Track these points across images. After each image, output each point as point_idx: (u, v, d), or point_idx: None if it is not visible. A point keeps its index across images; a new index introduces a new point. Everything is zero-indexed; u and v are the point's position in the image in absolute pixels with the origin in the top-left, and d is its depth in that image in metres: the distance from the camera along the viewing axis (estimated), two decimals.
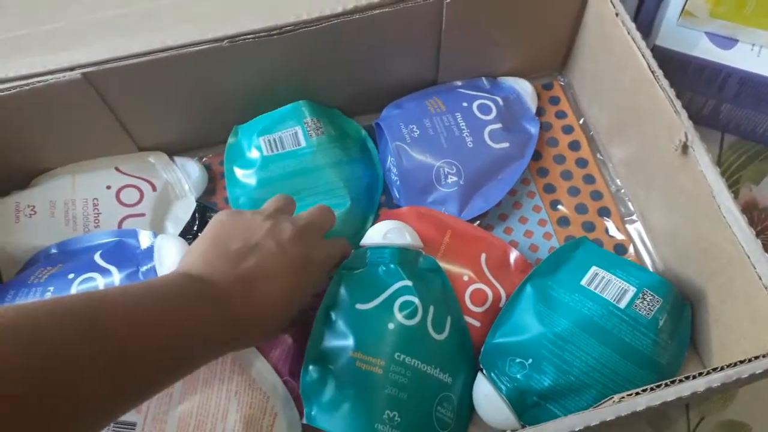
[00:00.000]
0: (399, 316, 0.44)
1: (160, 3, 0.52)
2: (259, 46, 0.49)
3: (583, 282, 0.45)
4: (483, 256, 0.50)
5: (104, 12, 0.52)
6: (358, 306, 0.45)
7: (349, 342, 0.43)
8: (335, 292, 0.46)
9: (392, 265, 0.47)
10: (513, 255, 0.51)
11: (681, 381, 0.37)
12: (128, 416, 0.43)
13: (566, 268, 0.47)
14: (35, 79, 0.48)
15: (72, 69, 0.48)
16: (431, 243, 0.51)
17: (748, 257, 0.41)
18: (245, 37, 0.49)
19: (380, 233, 0.48)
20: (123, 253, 0.49)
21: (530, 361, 0.44)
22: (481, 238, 0.52)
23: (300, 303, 0.43)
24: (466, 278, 0.49)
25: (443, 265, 0.49)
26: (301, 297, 0.43)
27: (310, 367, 0.44)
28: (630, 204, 0.56)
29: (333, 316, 0.45)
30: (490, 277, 0.50)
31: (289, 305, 0.42)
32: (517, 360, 0.45)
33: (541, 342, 0.44)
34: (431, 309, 0.46)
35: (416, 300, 0.45)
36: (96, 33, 0.50)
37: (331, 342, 0.44)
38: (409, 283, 0.45)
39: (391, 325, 0.44)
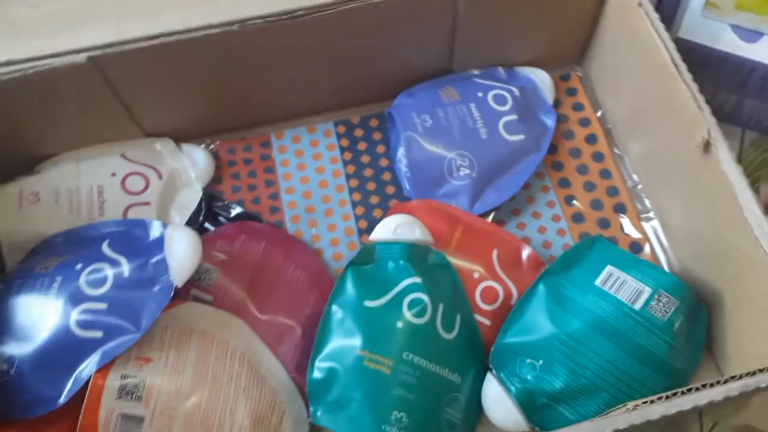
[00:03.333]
0: (408, 314, 0.43)
1: None
2: (270, 30, 0.48)
3: (597, 282, 0.44)
4: (495, 253, 0.49)
5: None
6: (367, 303, 0.44)
7: (357, 340, 0.43)
8: (343, 288, 0.45)
9: (401, 262, 0.46)
10: (525, 252, 0.50)
11: (698, 389, 0.36)
12: (136, 410, 0.42)
13: (580, 266, 0.46)
14: (39, 62, 0.46)
15: (77, 52, 0.47)
16: (442, 238, 0.49)
17: None
18: (256, 21, 0.47)
19: (390, 228, 0.47)
20: (132, 243, 0.48)
21: (541, 362, 0.43)
22: (493, 233, 0.51)
23: None
24: (476, 275, 0.48)
25: (454, 261, 0.48)
26: None
27: (317, 366, 0.43)
28: (647, 201, 0.55)
29: (340, 313, 0.44)
30: (502, 275, 0.48)
31: None
32: (528, 360, 0.44)
33: (553, 343, 0.43)
34: (440, 307, 0.44)
35: (426, 297, 0.44)
36: (103, 14, 0.49)
37: (338, 340, 0.43)
38: (418, 279, 0.44)
39: (399, 324, 0.43)
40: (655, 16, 0.47)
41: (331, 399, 0.42)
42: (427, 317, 0.43)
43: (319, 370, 0.43)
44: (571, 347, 0.42)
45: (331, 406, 0.42)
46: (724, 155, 0.43)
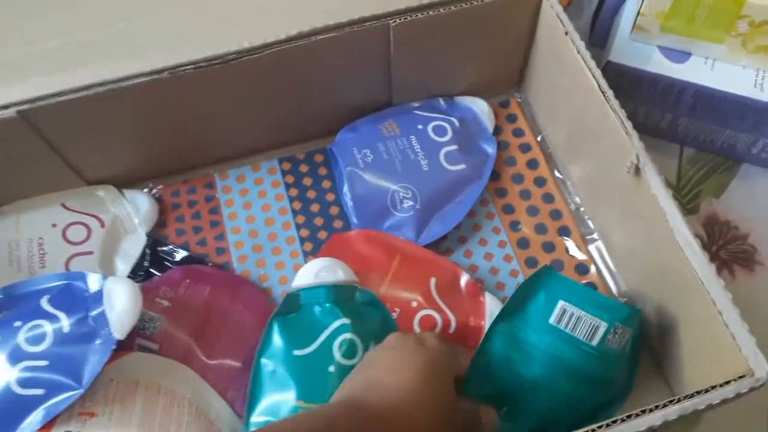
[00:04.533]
0: (339, 357, 0.43)
1: (101, 34, 0.50)
2: (201, 76, 0.48)
3: (552, 320, 0.43)
4: (432, 281, 0.49)
5: (42, 45, 0.50)
6: (296, 352, 0.43)
7: (291, 391, 0.42)
8: (269, 340, 0.44)
9: (327, 304, 0.45)
10: (463, 279, 0.50)
11: (651, 411, 0.37)
12: None
13: (533, 305, 0.45)
14: None
15: (6, 107, 0.46)
16: (380, 268, 0.49)
17: (702, 282, 0.40)
18: (186, 67, 0.47)
19: (311, 273, 0.47)
20: (71, 297, 0.47)
21: (505, 409, 0.43)
22: (431, 261, 0.51)
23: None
24: (414, 304, 0.48)
25: (391, 291, 0.48)
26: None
27: (252, 422, 0.43)
28: (590, 223, 0.55)
29: (270, 365, 0.44)
30: (440, 303, 0.49)
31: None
32: None
33: (516, 391, 0.43)
34: (371, 345, 0.44)
35: (355, 337, 0.44)
36: (32, 67, 0.48)
37: (272, 393, 0.43)
38: (346, 320, 0.44)
39: (331, 368, 0.43)
40: (581, 44, 0.48)
41: None
42: (358, 357, 0.43)
43: (256, 425, 0.42)
44: (533, 393, 0.42)
45: None
46: (653, 179, 0.43)
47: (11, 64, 0.49)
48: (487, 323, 0.49)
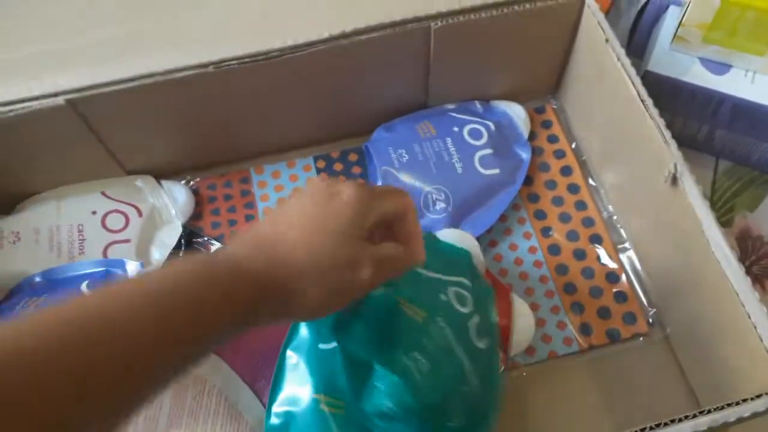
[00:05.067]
0: None
1: (146, 27, 0.52)
2: (245, 71, 0.49)
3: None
4: None
5: (91, 35, 0.51)
6: (321, 346, 0.43)
7: (311, 384, 0.42)
8: (296, 332, 0.44)
9: None
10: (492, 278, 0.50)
11: (681, 420, 0.37)
12: None
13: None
14: (19, 105, 0.47)
15: (56, 95, 0.47)
16: None
17: (737, 295, 0.40)
18: (230, 62, 0.48)
19: None
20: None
21: None
22: None
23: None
24: None
25: None
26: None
27: (273, 412, 0.42)
28: (623, 231, 0.55)
29: (295, 357, 0.43)
30: None
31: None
32: None
33: None
34: None
35: None
36: (81, 57, 0.50)
37: (293, 385, 0.43)
38: None
39: None
40: (621, 51, 0.48)
41: None
42: None
43: (276, 415, 0.42)
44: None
45: None
46: (691, 189, 0.43)
47: (62, 54, 0.50)
48: (514, 324, 0.49)
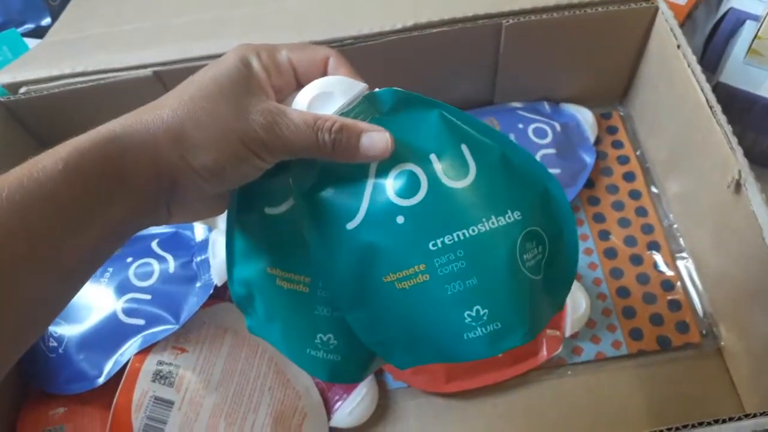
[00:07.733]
0: None
1: (233, 13, 0.55)
2: None
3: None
4: None
5: (179, 18, 0.55)
6: (267, 210, 0.34)
7: (263, 257, 0.35)
8: (239, 192, 0.35)
9: None
10: None
11: (725, 421, 0.36)
12: (167, 394, 0.45)
13: None
14: (110, 74, 0.51)
15: (145, 67, 0.51)
16: None
17: None
18: None
19: (303, 104, 0.33)
20: (179, 243, 0.52)
21: None
22: None
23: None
24: None
25: None
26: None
27: (235, 281, 0.36)
28: (682, 240, 0.55)
29: (241, 223, 0.35)
30: None
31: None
32: None
33: None
34: None
35: None
36: (168, 36, 0.54)
37: (245, 256, 0.35)
38: None
39: None
40: (692, 58, 0.48)
41: (260, 312, 0.36)
42: None
43: (239, 286, 0.36)
44: None
45: (262, 319, 0.36)
46: (755, 196, 0.43)
47: (151, 33, 0.54)
48: (567, 332, 0.50)
